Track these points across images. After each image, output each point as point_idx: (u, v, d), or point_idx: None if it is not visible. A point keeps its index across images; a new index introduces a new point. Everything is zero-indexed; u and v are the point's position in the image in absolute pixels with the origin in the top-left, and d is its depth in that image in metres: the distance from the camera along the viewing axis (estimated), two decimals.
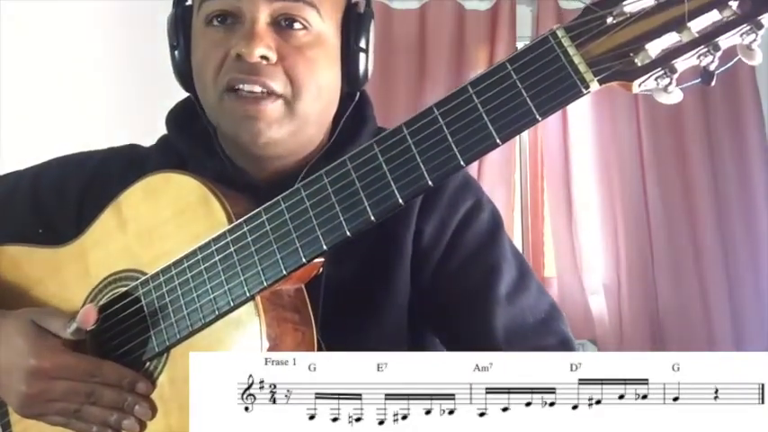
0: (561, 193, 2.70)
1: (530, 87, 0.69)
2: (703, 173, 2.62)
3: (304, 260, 0.76)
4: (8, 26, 2.35)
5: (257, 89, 0.84)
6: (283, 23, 0.86)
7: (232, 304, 0.78)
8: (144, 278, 0.84)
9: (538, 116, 0.69)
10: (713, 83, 0.69)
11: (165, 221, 0.84)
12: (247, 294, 0.77)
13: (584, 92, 0.68)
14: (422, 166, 0.72)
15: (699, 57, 0.67)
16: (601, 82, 0.68)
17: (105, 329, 0.86)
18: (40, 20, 2.42)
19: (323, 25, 0.88)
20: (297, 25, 0.86)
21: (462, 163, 0.71)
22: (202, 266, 0.80)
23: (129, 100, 2.43)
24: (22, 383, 0.82)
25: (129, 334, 0.85)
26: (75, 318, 0.83)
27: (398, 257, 0.91)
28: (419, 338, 0.97)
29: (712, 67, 0.68)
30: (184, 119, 0.97)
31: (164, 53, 0.96)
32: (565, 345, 0.94)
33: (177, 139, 0.97)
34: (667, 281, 2.62)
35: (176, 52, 0.93)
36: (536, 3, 2.77)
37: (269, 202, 0.79)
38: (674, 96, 0.69)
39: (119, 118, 2.39)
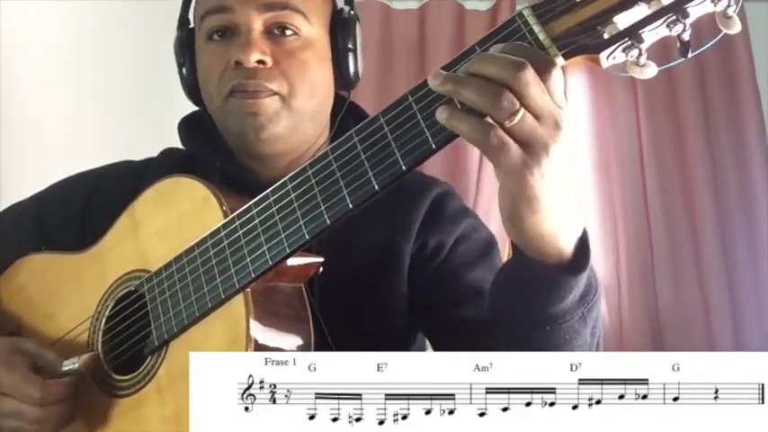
0: None
1: None
2: (703, 173, 2.61)
3: (288, 251, 0.78)
4: (8, 26, 2.35)
5: (256, 88, 0.93)
6: (276, 31, 0.95)
7: (222, 296, 0.80)
8: (149, 275, 0.88)
9: None
10: (689, 54, 0.68)
11: (173, 222, 0.89)
12: (236, 286, 0.79)
13: None
14: (396, 152, 0.72)
15: (668, 26, 0.66)
16: (565, 56, 0.67)
17: (113, 326, 0.90)
18: (40, 20, 2.42)
19: (311, 30, 0.97)
20: (288, 32, 0.95)
21: (433, 146, 0.70)
22: (198, 261, 0.83)
23: (131, 101, 2.43)
24: None
25: (134, 329, 0.88)
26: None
27: (396, 265, 0.97)
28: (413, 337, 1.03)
29: (686, 38, 0.67)
30: (195, 124, 1.06)
31: (162, 56, 0.99)
32: None
33: (188, 142, 1.06)
34: (667, 281, 2.61)
35: (183, 69, 1.03)
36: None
37: (259, 196, 0.81)
38: (648, 70, 0.69)
39: (119, 119, 2.39)
